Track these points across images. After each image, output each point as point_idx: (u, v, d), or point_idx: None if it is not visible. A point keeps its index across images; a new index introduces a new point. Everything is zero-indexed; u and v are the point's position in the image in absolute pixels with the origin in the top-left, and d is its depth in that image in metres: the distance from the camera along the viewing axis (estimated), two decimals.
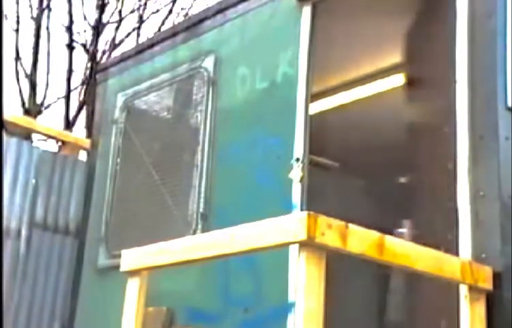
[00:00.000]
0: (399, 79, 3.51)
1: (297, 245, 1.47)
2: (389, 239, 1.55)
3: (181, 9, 10.51)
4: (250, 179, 2.83)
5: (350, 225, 1.45)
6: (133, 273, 1.90)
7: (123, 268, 1.94)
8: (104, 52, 10.15)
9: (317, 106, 3.48)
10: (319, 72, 2.77)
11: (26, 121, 5.25)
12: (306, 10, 2.69)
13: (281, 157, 2.66)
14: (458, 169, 2.14)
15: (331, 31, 2.74)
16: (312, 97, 2.72)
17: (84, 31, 10.27)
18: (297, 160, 2.57)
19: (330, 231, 1.42)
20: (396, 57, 3.41)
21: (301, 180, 2.52)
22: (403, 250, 1.58)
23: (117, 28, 10.43)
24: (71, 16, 10.01)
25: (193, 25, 3.34)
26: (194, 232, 2.97)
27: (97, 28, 10.04)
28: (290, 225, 1.43)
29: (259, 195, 2.74)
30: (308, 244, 1.41)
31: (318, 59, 2.68)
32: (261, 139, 2.82)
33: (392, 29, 3.13)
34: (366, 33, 3.14)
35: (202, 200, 2.99)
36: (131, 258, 1.93)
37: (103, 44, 10.30)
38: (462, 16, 2.26)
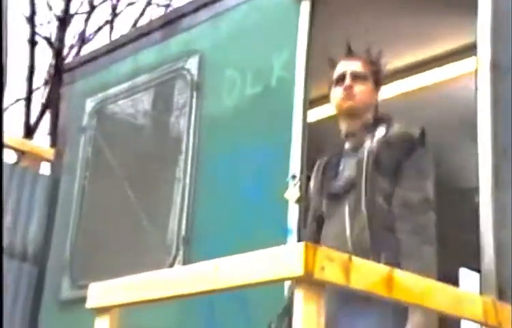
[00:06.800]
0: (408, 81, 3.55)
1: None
2: (399, 273, 1.55)
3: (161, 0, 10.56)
4: (239, 197, 2.83)
5: (354, 257, 1.45)
6: (102, 311, 1.88)
7: (90, 305, 1.92)
8: (71, 48, 10.17)
9: (316, 114, 3.49)
10: (318, 75, 2.78)
11: None
12: (305, 5, 2.71)
13: (275, 173, 2.66)
14: (480, 189, 2.15)
15: (331, 29, 2.74)
16: (310, 103, 2.73)
17: (49, 22, 10.27)
18: (294, 177, 2.56)
19: (331, 265, 1.42)
20: (402, 55, 3.43)
21: (298, 202, 2.52)
22: (416, 286, 1.57)
23: (87, 20, 10.44)
24: (33, 5, 10.02)
25: (175, 20, 3.36)
26: (175, 259, 2.97)
27: (64, 19, 10.05)
28: (285, 258, 1.43)
29: (249, 216, 2.76)
30: (305, 281, 1.40)
31: (317, 61, 2.68)
32: (253, 151, 2.83)
33: (396, 26, 3.16)
34: (369, 30, 3.16)
35: (184, 221, 3.00)
36: (100, 293, 1.91)
37: (70, 38, 10.30)
38: (485, 14, 2.28)
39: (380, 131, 2.14)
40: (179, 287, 1.68)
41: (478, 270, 2.14)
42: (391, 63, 3.47)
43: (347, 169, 2.16)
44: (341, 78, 2.23)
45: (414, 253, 1.96)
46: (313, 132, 2.69)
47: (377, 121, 2.21)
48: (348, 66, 2.24)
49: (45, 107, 9.98)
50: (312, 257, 1.41)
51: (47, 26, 10.34)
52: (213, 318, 2.72)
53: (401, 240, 2.00)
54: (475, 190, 2.19)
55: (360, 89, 2.21)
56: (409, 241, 1.99)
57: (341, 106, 2.22)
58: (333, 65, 2.29)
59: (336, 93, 2.24)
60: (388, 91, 3.59)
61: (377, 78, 2.26)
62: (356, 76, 2.21)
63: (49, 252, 3.68)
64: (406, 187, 2.06)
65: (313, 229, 2.23)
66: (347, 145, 2.25)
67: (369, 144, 2.12)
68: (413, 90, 3.61)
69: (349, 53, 2.28)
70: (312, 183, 2.30)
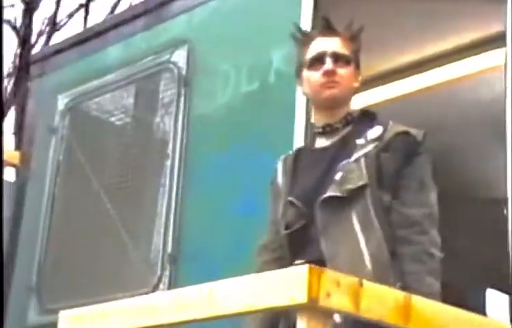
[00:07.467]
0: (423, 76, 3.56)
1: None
2: (417, 300, 1.55)
3: None
4: (234, 208, 2.85)
5: (365, 282, 1.45)
6: None
7: None
8: (40, 35, 10.14)
9: None
10: None
11: None
12: None
13: None
14: (509, 199, 2.16)
15: (337, 16, 2.76)
16: None
17: (13, 5, 10.24)
18: None
19: (338, 291, 1.41)
20: (418, 48, 3.44)
21: None
22: (437, 314, 1.57)
23: (58, 3, 10.43)
24: None
25: (159, 6, 3.37)
26: (160, 279, 2.98)
27: (31, 2, 10.03)
28: (285, 283, 1.43)
29: (245, 230, 2.76)
30: (309, 308, 1.40)
31: None
32: (249, 155, 2.84)
33: (411, 15, 3.17)
34: (378, 18, 3.18)
35: (170, 236, 3.01)
36: (72, 321, 1.90)
37: (39, 23, 10.28)
38: None
39: (375, 131, 1.99)
40: (166, 314, 1.68)
41: (508, 292, 2.15)
42: (403, 56, 3.51)
43: (342, 169, 1.96)
44: (318, 59, 2.04)
45: (417, 286, 1.81)
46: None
47: (363, 116, 2.07)
48: (327, 45, 2.05)
49: (9, 103, 9.97)
50: (316, 281, 1.41)
51: (11, 9, 10.34)
52: None
53: (403, 268, 1.88)
54: (503, 201, 2.20)
55: (343, 73, 2.03)
56: (411, 269, 1.87)
57: (320, 95, 2.05)
58: (306, 40, 2.12)
59: (313, 77, 2.06)
60: (399, 89, 3.63)
61: (358, 59, 2.10)
62: (337, 58, 2.04)
63: (13, 271, 3.68)
64: (406, 201, 1.93)
65: (282, 243, 2.03)
66: (321, 141, 2.08)
67: (362, 145, 1.97)
68: (431, 86, 3.63)
69: (328, 29, 2.09)
70: (280, 180, 2.13)
